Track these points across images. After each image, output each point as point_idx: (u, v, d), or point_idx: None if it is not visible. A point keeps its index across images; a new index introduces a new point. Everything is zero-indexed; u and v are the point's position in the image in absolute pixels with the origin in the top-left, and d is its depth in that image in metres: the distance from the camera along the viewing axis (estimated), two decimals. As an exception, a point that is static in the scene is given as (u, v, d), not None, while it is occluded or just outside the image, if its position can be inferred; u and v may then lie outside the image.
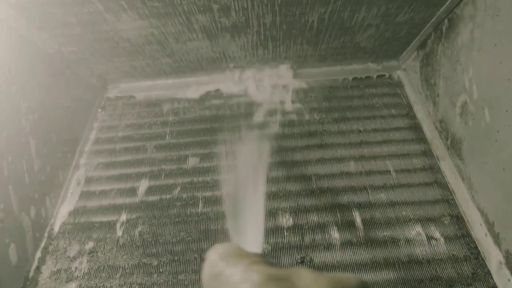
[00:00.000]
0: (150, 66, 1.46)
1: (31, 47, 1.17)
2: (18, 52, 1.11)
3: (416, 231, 1.09)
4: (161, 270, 1.07)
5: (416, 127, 1.35)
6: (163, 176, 1.29)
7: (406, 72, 1.52)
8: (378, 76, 1.54)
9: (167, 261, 1.09)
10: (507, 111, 0.92)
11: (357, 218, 1.13)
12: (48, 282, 1.07)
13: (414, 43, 1.41)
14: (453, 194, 1.16)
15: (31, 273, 1.07)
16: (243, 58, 1.47)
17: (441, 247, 1.06)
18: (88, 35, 1.22)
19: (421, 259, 1.04)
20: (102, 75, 1.51)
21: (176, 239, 1.13)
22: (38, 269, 1.09)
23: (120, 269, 1.08)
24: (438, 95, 1.28)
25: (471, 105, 1.08)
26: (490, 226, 1.04)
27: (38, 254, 1.11)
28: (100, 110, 1.53)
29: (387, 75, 1.54)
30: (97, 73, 1.49)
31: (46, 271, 1.10)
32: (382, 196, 1.18)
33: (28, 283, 1.05)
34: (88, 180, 1.30)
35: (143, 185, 1.27)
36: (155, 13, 1.15)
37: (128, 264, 1.09)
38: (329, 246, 1.08)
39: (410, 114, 1.39)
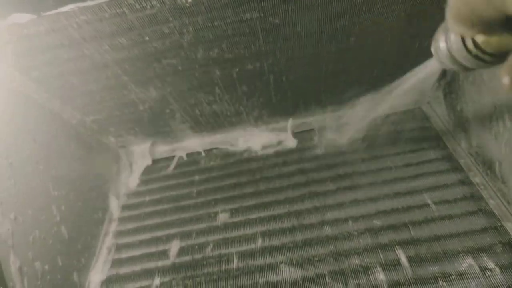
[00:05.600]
0: (171, 126, 1.47)
1: (55, 119, 1.20)
2: (43, 125, 1.13)
3: (467, 263, 1.01)
4: (201, 332, 1.01)
5: (449, 157, 1.29)
6: (194, 235, 1.26)
7: (430, 104, 1.49)
8: (401, 112, 1.51)
9: (206, 322, 1.03)
10: (543, 122, 0.88)
11: (402, 256, 1.06)
12: None
13: (433, 74, 1.38)
14: (501, 220, 1.09)
15: None
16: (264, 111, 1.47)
17: (498, 278, 0.97)
18: (108, 101, 1.25)
19: (478, 293, 0.95)
20: (126, 140, 1.53)
21: (214, 298, 1.08)
22: None
23: (159, 335, 1.03)
24: (467, 121, 1.24)
25: (504, 124, 1.04)
26: (548, 248, 0.96)
27: (73, 328, 1.07)
28: (126, 176, 1.53)
29: (411, 109, 1.51)
30: (121, 139, 1.51)
31: None
32: (425, 231, 1.11)
33: None
34: (119, 247, 1.28)
35: (174, 246, 1.23)
36: (171, 71, 1.17)
37: (166, 328, 1.04)
38: (375, 289, 1.01)
39: (440, 145, 1.34)
